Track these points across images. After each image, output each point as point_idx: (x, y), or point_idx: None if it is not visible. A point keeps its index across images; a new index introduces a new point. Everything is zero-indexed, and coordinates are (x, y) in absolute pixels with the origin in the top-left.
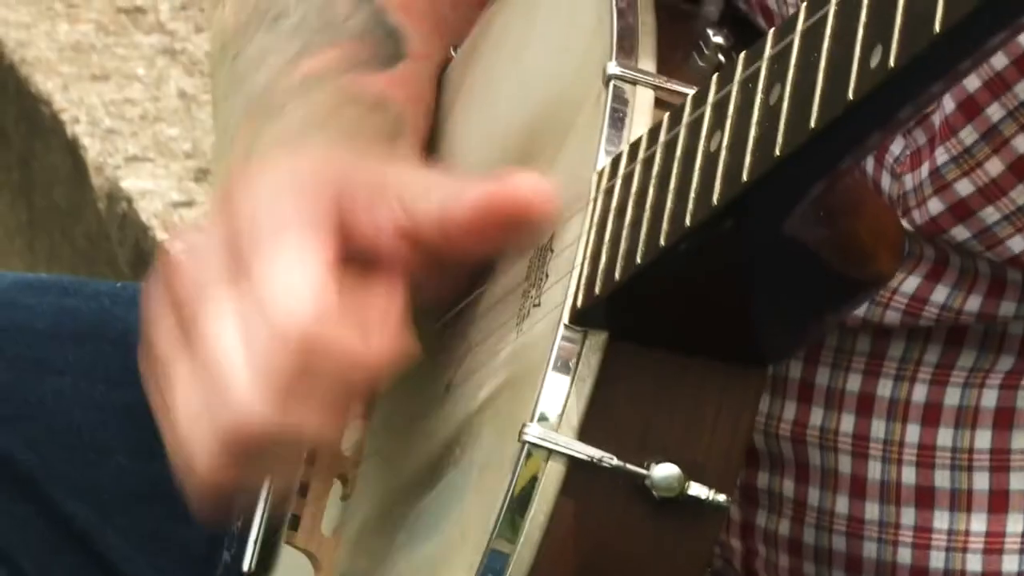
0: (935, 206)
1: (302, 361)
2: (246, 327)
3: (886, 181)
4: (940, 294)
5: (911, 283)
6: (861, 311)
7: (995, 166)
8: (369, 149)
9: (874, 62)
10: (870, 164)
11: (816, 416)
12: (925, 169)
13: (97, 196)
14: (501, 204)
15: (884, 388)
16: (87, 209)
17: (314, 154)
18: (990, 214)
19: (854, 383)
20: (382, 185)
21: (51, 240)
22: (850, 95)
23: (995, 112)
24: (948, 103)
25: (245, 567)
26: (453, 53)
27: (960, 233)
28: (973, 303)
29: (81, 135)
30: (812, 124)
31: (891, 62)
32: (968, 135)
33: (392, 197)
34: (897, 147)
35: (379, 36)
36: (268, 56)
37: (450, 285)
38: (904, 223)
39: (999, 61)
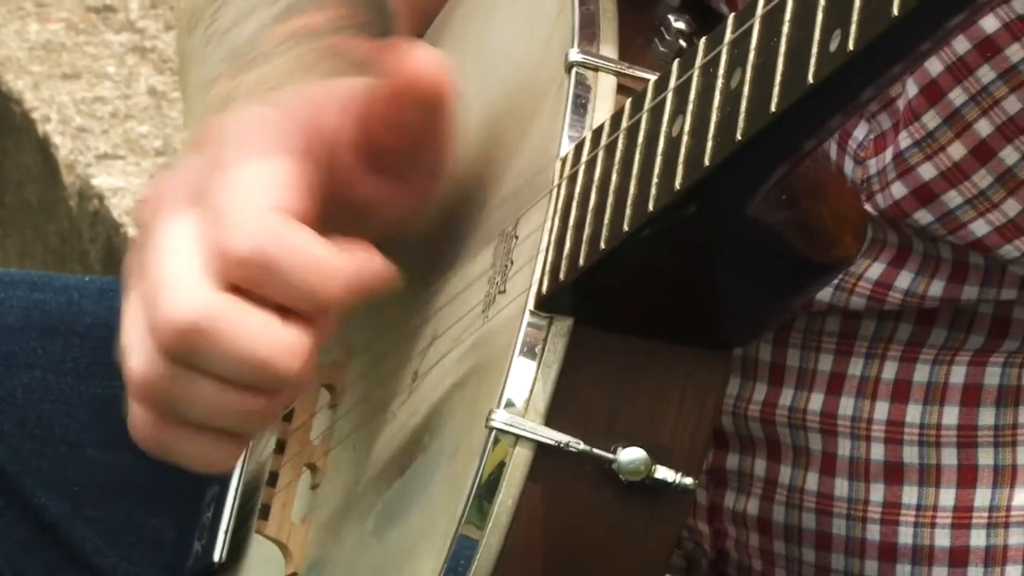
0: (898, 190)
1: (252, 267)
2: (195, 235)
3: (849, 166)
4: (904, 280)
5: (876, 269)
6: (827, 297)
7: (957, 150)
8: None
9: (833, 46)
10: (833, 150)
11: (786, 396)
12: (889, 153)
13: (68, 194)
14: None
15: (855, 367)
16: (59, 207)
17: (295, 89)
18: (953, 198)
19: (825, 363)
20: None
21: (23, 238)
22: (810, 79)
23: (957, 96)
24: (911, 87)
25: (216, 557)
26: None
27: (923, 217)
28: (936, 288)
29: (52, 133)
30: (773, 108)
31: (850, 45)
32: (931, 119)
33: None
34: (861, 132)
35: (371, 9)
36: (255, 11)
37: (401, 200)
38: (868, 208)
39: (961, 45)
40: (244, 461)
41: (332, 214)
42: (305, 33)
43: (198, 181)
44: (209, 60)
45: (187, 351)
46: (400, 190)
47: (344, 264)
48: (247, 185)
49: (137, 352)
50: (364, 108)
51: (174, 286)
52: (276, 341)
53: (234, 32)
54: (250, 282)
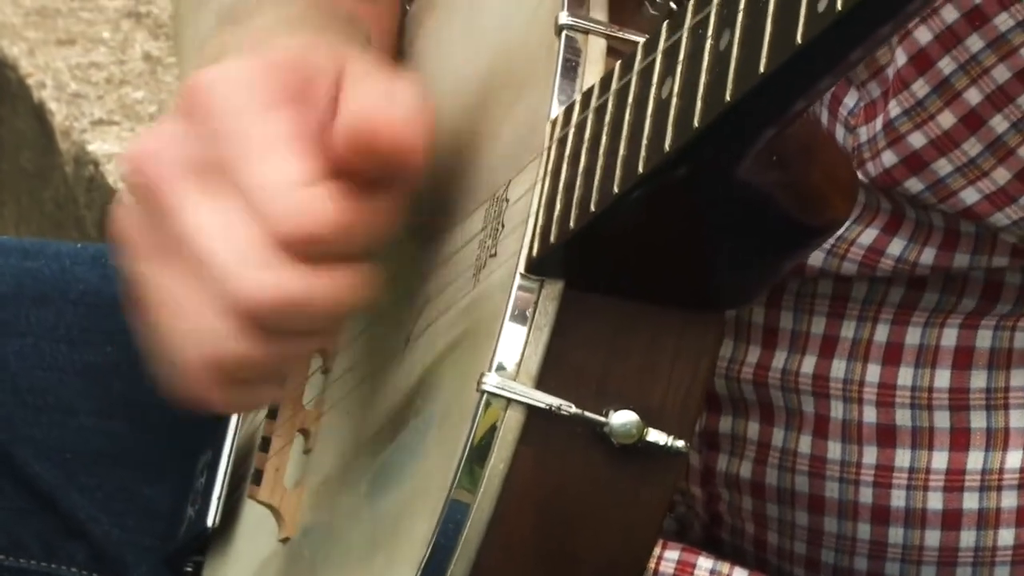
0: (889, 158)
1: (307, 244)
2: (233, 212)
3: (840, 133)
4: (896, 246)
5: (868, 235)
6: (819, 262)
7: (947, 119)
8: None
9: (822, 6)
10: (824, 116)
11: (778, 359)
12: (879, 122)
13: (64, 160)
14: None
15: (847, 329)
16: (54, 173)
17: (284, 43)
18: (943, 166)
19: (818, 325)
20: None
21: (19, 205)
22: (798, 39)
23: (946, 65)
24: (900, 56)
25: (209, 523)
26: (408, 6)
27: (914, 185)
28: (927, 255)
29: (47, 99)
30: (762, 69)
31: (838, 5)
32: (920, 88)
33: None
34: (851, 100)
35: None
36: None
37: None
38: (859, 175)
39: (950, 15)
40: (237, 427)
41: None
42: None
43: (200, 150)
44: (201, 22)
45: (278, 325)
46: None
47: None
48: (264, 159)
49: (206, 337)
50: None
51: (245, 274)
52: (351, 287)
53: None
54: (307, 252)
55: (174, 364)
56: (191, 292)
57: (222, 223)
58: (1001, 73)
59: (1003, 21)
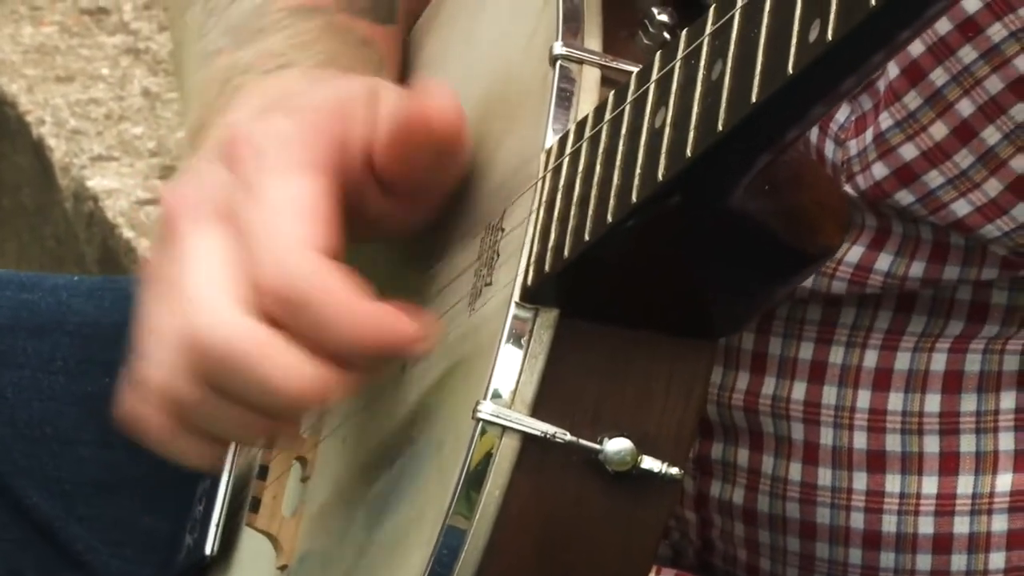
0: (879, 170)
1: (286, 303)
2: (228, 258)
3: (829, 148)
4: (884, 262)
5: (855, 253)
6: (808, 282)
7: (939, 130)
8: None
9: (813, 36)
10: (814, 133)
11: (768, 385)
12: (870, 134)
13: (64, 196)
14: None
15: (836, 355)
16: (54, 209)
17: (318, 91)
18: (934, 178)
19: (806, 351)
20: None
21: (19, 241)
22: (790, 69)
23: (939, 77)
24: (892, 68)
25: (207, 551)
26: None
27: (904, 198)
28: (917, 269)
29: (47, 136)
30: (754, 99)
31: (829, 35)
32: (912, 100)
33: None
34: (842, 115)
35: None
36: None
37: (406, 215)
38: (848, 188)
39: (942, 26)
40: (235, 455)
41: (346, 219)
42: (306, 9)
43: (226, 198)
44: (209, 34)
45: (217, 374)
46: (406, 207)
47: (375, 315)
48: (280, 214)
49: (161, 363)
50: (378, 116)
51: (208, 306)
52: (302, 375)
53: (235, 6)
54: (283, 316)
55: (134, 385)
56: (167, 317)
57: (214, 259)
58: (993, 84)
59: (996, 32)
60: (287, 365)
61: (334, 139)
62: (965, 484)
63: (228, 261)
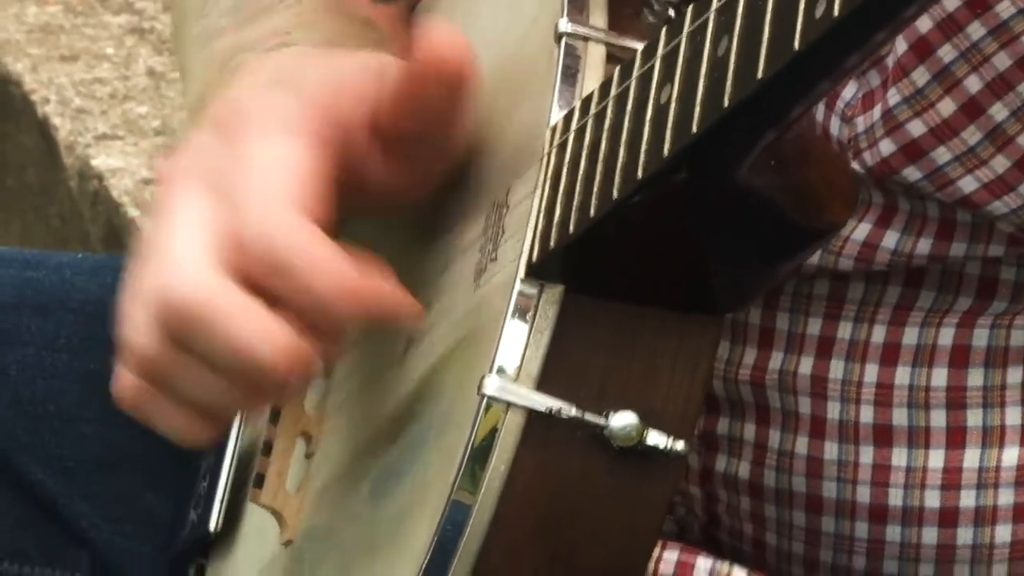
0: (887, 147)
1: (262, 261)
2: (210, 219)
3: (835, 125)
4: (890, 239)
5: (862, 230)
6: (815, 259)
7: (947, 107)
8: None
9: (819, 12)
10: (820, 110)
11: (775, 360)
12: (877, 110)
13: (69, 175)
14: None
15: (844, 330)
16: (59, 188)
17: (320, 69)
18: (941, 154)
19: (814, 326)
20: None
21: (24, 221)
22: (796, 45)
23: (947, 53)
24: (900, 44)
25: (211, 527)
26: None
27: (911, 174)
28: (923, 246)
29: (51, 115)
30: (760, 75)
31: (835, 11)
32: (920, 76)
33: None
34: (849, 91)
35: None
36: None
37: (411, 182)
38: (855, 165)
39: (951, 3)
40: (239, 431)
41: (341, 195)
42: None
43: (217, 165)
44: (210, 14)
45: (182, 332)
46: (411, 172)
47: (355, 277)
48: (267, 179)
49: (135, 322)
50: (382, 90)
51: (180, 265)
52: (269, 337)
53: None
54: (256, 274)
55: (119, 353)
56: (146, 280)
57: (196, 223)
58: (1002, 61)
59: (1004, 8)
60: (257, 328)
61: (333, 115)
62: (972, 458)
63: (210, 224)
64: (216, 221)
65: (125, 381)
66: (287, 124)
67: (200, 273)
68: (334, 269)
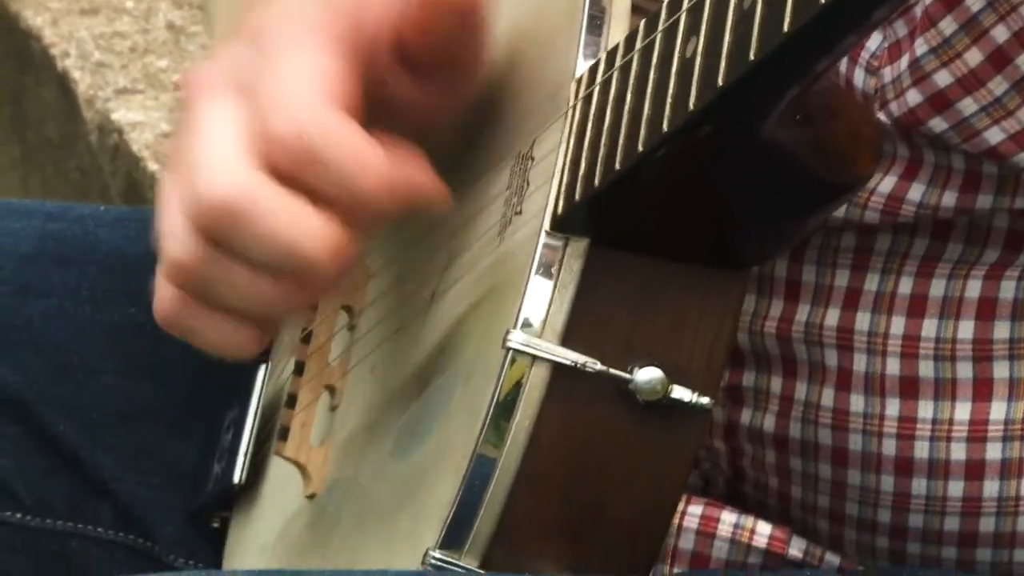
0: (913, 97)
1: (294, 150)
2: (238, 118)
3: (859, 77)
4: (916, 192)
5: (887, 183)
6: (841, 212)
7: (974, 57)
8: None
9: None
10: (843, 62)
11: (802, 312)
12: (904, 61)
13: (88, 129)
14: None
15: (871, 282)
16: (79, 142)
17: None
18: (968, 105)
19: (841, 279)
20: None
21: (44, 175)
22: None
23: (975, 3)
24: None
25: (235, 479)
26: None
27: (937, 125)
28: (949, 199)
29: (71, 69)
30: (786, 28)
31: None
32: (947, 26)
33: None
34: (874, 43)
35: None
36: None
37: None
38: (881, 116)
39: None
40: (264, 383)
41: (366, 112)
42: None
43: (243, 69)
44: None
45: (221, 231)
46: (433, 93)
47: (389, 163)
48: (294, 75)
49: (172, 233)
50: (402, 8)
51: (212, 165)
52: (308, 227)
53: None
54: (290, 166)
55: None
56: (177, 187)
57: (226, 124)
58: None
59: None
60: (298, 220)
61: (358, 25)
62: (998, 410)
63: (241, 123)
64: (247, 119)
65: (165, 293)
66: (314, 30)
67: (236, 170)
68: (367, 155)
